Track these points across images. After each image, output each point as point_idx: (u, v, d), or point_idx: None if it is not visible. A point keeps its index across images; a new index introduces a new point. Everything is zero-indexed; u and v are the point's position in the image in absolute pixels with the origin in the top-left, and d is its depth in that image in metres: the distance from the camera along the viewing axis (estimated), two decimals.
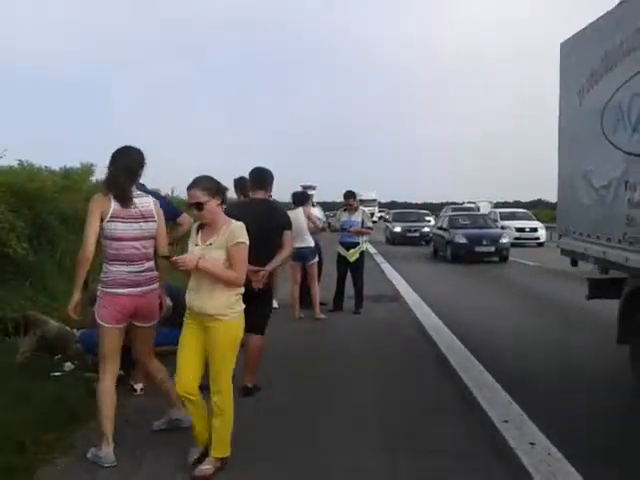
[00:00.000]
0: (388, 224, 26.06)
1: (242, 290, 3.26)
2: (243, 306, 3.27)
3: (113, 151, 3.48)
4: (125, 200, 3.37)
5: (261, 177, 4.63)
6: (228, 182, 6.45)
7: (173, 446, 3.47)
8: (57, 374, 4.61)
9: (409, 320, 7.73)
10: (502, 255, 16.64)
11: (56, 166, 12.56)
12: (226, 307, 3.15)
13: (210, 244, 3.17)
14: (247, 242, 3.18)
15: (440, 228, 18.42)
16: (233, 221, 3.22)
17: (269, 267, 4.34)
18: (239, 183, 5.87)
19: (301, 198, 7.98)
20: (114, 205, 3.33)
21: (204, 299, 3.13)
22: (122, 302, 3.36)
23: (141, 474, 3.19)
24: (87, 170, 12.68)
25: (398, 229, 23.98)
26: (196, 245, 3.22)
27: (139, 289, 3.41)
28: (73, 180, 11.34)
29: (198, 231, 3.29)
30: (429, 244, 21.14)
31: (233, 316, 3.20)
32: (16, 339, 5.46)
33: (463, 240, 16.49)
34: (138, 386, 4.44)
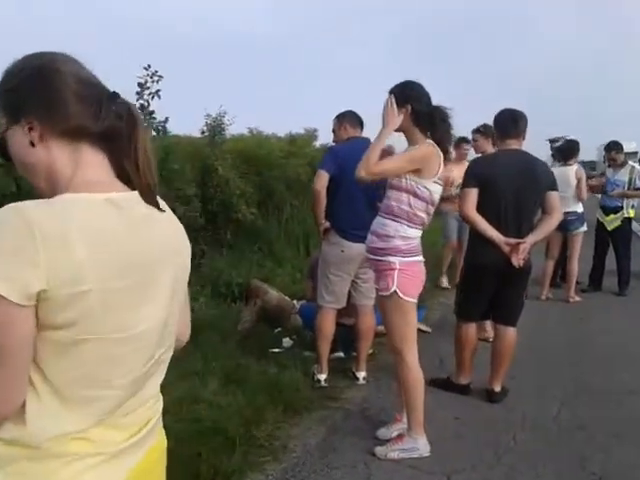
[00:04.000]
0: None
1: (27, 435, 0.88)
2: None
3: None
4: (447, 158, 2.79)
5: (513, 121, 3.47)
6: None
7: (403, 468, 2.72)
8: (275, 351, 4.20)
9: None
10: None
11: (282, 133, 12.87)
12: None
13: None
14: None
15: None
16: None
17: (532, 238, 3.26)
18: (486, 129, 4.77)
19: (569, 151, 6.36)
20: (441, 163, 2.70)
21: None
22: (422, 271, 2.79)
23: None
24: (310, 135, 12.78)
25: None
26: None
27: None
28: (297, 146, 11.45)
29: None
30: None
31: None
32: (241, 306, 5.31)
33: None
34: (361, 374, 3.78)
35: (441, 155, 2.67)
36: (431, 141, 2.68)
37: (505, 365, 3.49)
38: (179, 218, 1.11)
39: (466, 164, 6.61)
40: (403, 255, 2.66)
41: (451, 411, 3.33)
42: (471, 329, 3.53)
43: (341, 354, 4.12)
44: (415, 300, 2.73)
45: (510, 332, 3.45)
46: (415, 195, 2.66)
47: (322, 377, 3.67)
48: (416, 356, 2.78)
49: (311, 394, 3.50)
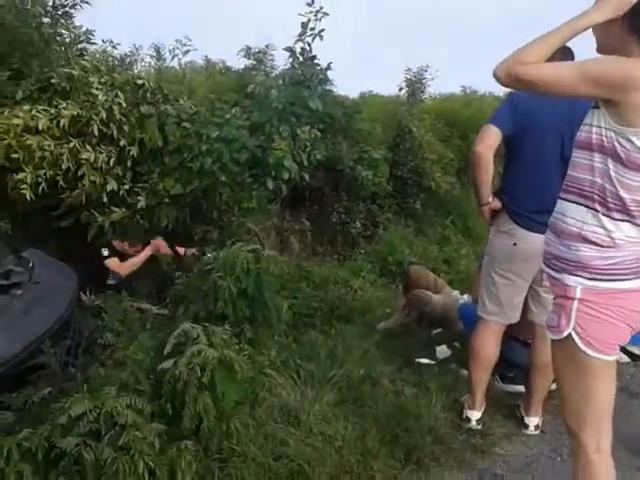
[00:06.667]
0: None
1: None
2: None
3: None
4: None
5: None
6: None
7: None
8: (423, 362, 3.25)
9: None
10: None
11: (501, 92, 11.43)
12: None
13: None
14: None
15: None
16: None
17: None
18: None
19: None
20: None
21: None
22: (635, 308, 1.56)
23: None
24: None
25: None
26: None
27: None
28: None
29: None
30: None
31: None
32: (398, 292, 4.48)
33: None
34: (532, 421, 2.65)
35: None
36: None
37: None
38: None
39: None
40: (592, 276, 1.50)
41: None
42: None
43: (522, 388, 2.94)
44: (611, 358, 1.56)
45: None
46: (618, 159, 1.45)
47: (474, 415, 2.63)
48: (605, 450, 1.61)
49: (452, 437, 2.52)
